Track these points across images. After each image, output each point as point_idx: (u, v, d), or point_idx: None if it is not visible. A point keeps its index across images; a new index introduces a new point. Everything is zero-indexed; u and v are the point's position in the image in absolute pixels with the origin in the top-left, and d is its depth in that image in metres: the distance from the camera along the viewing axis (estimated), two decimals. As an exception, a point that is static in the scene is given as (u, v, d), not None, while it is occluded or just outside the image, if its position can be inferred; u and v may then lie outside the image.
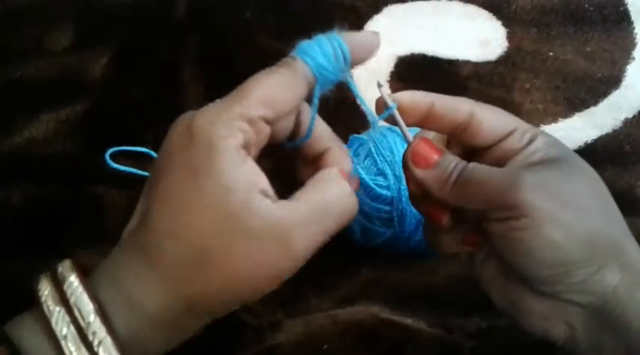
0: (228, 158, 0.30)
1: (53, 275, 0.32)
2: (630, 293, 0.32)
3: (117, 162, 0.61)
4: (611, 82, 0.69)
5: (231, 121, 0.31)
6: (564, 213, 0.32)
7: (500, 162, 0.36)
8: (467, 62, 0.70)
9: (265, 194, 0.31)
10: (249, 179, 0.31)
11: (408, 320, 0.48)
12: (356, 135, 0.56)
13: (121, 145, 0.61)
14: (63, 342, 0.29)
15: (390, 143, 0.52)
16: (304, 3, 0.74)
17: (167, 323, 0.31)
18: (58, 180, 0.60)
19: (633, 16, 0.72)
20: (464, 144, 0.38)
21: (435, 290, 0.52)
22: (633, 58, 0.70)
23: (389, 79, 0.69)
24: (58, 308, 0.30)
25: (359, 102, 0.37)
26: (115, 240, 0.34)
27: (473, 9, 0.73)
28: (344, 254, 0.57)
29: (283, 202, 0.32)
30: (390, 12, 0.73)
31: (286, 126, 0.36)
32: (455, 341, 0.47)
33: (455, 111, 0.36)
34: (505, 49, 0.71)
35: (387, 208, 0.52)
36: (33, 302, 0.31)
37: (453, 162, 0.35)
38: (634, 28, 0.71)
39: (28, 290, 0.50)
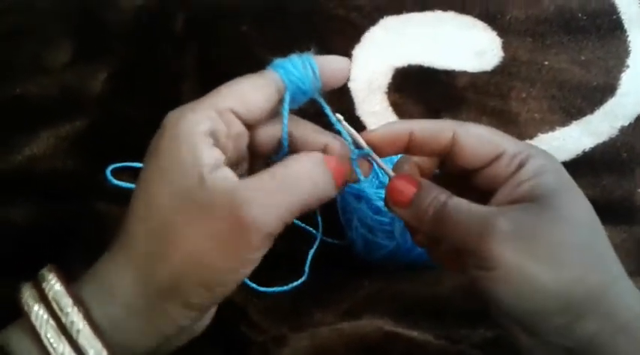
0: (189, 139, 0.31)
1: (34, 279, 0.32)
2: (609, 342, 0.31)
3: (118, 178, 0.61)
4: (607, 89, 0.69)
5: (199, 111, 0.32)
6: (535, 268, 0.31)
7: (490, 186, 0.35)
8: (463, 73, 0.70)
9: (223, 176, 0.31)
10: (209, 160, 0.31)
11: (414, 333, 0.48)
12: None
13: (122, 161, 0.61)
14: (44, 336, 0.30)
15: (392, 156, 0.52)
16: (301, 16, 0.74)
17: (144, 311, 0.31)
18: (58, 196, 0.60)
19: (626, 25, 0.73)
20: (454, 165, 0.37)
21: (439, 302, 0.52)
22: (627, 66, 0.70)
23: (387, 90, 0.70)
24: (37, 306, 0.31)
25: (333, 122, 0.37)
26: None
27: (468, 20, 0.74)
28: (346, 266, 0.57)
29: (244, 177, 0.32)
30: (386, 24, 0.74)
31: (269, 134, 0.36)
32: (461, 351, 0.47)
33: (435, 138, 0.36)
34: (501, 59, 0.71)
35: (390, 220, 0.52)
36: (19, 311, 0.31)
37: (428, 197, 0.34)
38: (627, 36, 0.72)
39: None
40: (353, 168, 0.37)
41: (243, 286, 0.49)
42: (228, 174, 0.31)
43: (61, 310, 0.30)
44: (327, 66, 0.36)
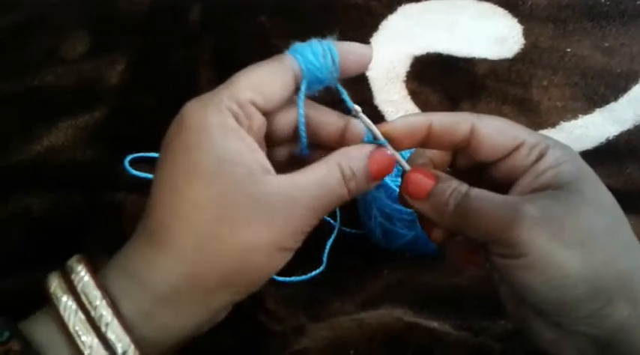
0: (221, 132, 0.31)
1: (62, 269, 0.32)
2: (638, 328, 0.31)
3: (136, 168, 0.61)
4: (631, 76, 0.68)
5: (220, 103, 0.31)
6: (566, 253, 0.30)
7: (509, 178, 0.34)
8: (483, 60, 0.70)
9: (266, 169, 0.31)
10: (248, 153, 0.31)
11: (434, 324, 0.47)
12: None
13: (140, 151, 0.61)
14: (72, 328, 0.30)
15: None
16: (318, 5, 0.73)
17: (178, 300, 0.31)
18: (77, 187, 0.61)
19: (651, 10, 0.71)
20: (469, 159, 0.37)
21: (459, 292, 0.52)
22: (652, 52, 0.69)
23: (405, 79, 0.69)
24: (65, 297, 0.30)
25: (351, 112, 0.36)
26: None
27: (488, 6, 0.73)
28: (365, 256, 0.57)
29: (284, 175, 0.32)
30: (404, 11, 0.73)
31: (285, 122, 0.36)
32: (482, 343, 0.46)
33: (454, 130, 0.35)
34: (522, 46, 0.70)
35: (409, 209, 0.52)
36: (46, 300, 0.31)
37: (448, 189, 0.34)
38: (652, 21, 0.71)
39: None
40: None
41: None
42: (271, 168, 0.32)
43: (90, 303, 0.30)
44: (349, 53, 0.35)
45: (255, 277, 0.32)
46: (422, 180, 0.35)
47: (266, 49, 0.71)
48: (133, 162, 0.61)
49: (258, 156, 0.32)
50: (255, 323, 0.50)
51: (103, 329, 0.30)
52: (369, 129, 0.36)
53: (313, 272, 0.55)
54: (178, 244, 0.31)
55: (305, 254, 0.55)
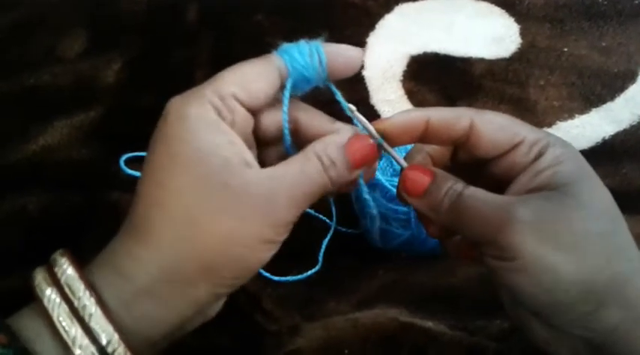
0: (201, 124, 0.31)
1: (46, 264, 0.32)
2: (631, 332, 0.31)
3: (132, 168, 0.61)
4: (628, 76, 0.68)
5: (202, 97, 0.32)
6: (556, 257, 0.30)
7: (508, 175, 0.34)
8: (480, 60, 0.69)
9: (246, 162, 0.31)
10: (227, 145, 0.31)
11: (429, 323, 0.47)
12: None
13: (136, 150, 0.61)
14: (56, 320, 0.30)
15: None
16: (316, 4, 0.73)
17: (164, 295, 0.31)
18: (73, 186, 0.61)
19: (648, 10, 0.71)
20: (469, 154, 0.36)
21: (454, 292, 0.52)
22: (649, 52, 0.69)
23: (402, 78, 0.69)
24: (49, 290, 0.31)
25: (346, 111, 0.36)
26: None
27: (485, 6, 0.73)
28: (361, 256, 0.57)
29: (265, 168, 0.32)
30: (401, 11, 0.73)
31: (273, 120, 0.35)
32: (478, 343, 0.46)
33: (452, 126, 0.35)
34: (519, 46, 0.70)
35: (405, 209, 0.52)
36: (32, 295, 0.31)
37: (443, 188, 0.34)
38: (649, 21, 0.70)
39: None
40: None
41: (257, 275, 0.49)
42: (254, 162, 0.32)
43: (73, 294, 0.30)
44: (337, 55, 0.35)
45: (238, 269, 0.32)
46: (418, 178, 0.35)
47: (263, 48, 0.71)
48: (128, 162, 0.61)
49: (239, 149, 0.32)
50: (251, 324, 0.50)
51: (87, 319, 0.30)
52: (364, 127, 0.36)
53: (309, 272, 0.55)
54: (159, 234, 0.31)
55: (301, 253, 0.55)
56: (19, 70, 0.68)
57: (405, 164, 0.36)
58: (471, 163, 0.37)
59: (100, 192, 0.60)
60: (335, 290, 0.53)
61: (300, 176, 0.32)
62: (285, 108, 0.35)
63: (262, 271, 0.53)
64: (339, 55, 0.35)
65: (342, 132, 0.35)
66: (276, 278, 0.53)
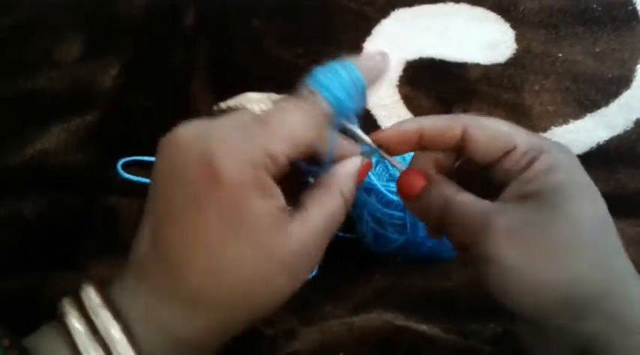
0: (258, 192, 0.30)
1: (76, 299, 0.31)
2: (610, 343, 0.31)
3: (128, 172, 0.61)
4: (622, 81, 0.68)
5: (256, 158, 0.30)
6: (532, 267, 0.31)
7: (503, 180, 0.34)
8: (476, 65, 0.70)
9: (285, 218, 0.31)
10: (275, 210, 0.30)
11: (424, 327, 0.48)
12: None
13: (133, 155, 0.61)
14: (83, 350, 0.29)
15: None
16: (312, 9, 0.73)
17: (195, 347, 0.31)
18: (70, 190, 0.61)
19: (642, 16, 0.72)
20: (468, 160, 0.37)
21: (449, 296, 0.52)
22: (643, 58, 0.69)
23: (397, 83, 0.69)
24: (82, 328, 0.30)
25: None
26: (128, 249, 0.33)
27: (481, 11, 0.73)
28: (356, 260, 0.57)
29: (296, 218, 0.31)
30: (397, 16, 0.73)
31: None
32: (472, 347, 0.46)
33: (445, 135, 0.35)
34: (514, 51, 0.71)
35: (400, 214, 0.52)
36: (53, 317, 0.31)
37: (435, 192, 0.35)
38: (643, 27, 0.71)
39: (42, 301, 0.51)
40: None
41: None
42: (286, 207, 0.31)
43: (111, 340, 0.30)
44: (370, 69, 0.34)
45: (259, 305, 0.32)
46: (412, 181, 0.36)
47: (259, 52, 0.71)
48: (125, 166, 0.62)
49: (281, 206, 0.31)
50: (247, 327, 0.51)
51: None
52: (359, 138, 0.36)
53: (305, 276, 0.55)
54: (211, 302, 0.30)
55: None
56: (16, 73, 0.68)
57: (401, 168, 0.37)
58: (473, 168, 0.37)
59: (97, 197, 0.60)
60: (331, 295, 0.53)
61: (330, 219, 0.32)
62: (331, 150, 0.33)
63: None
64: (372, 68, 0.34)
65: (352, 158, 0.35)
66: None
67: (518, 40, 0.71)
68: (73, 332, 0.30)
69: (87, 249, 0.57)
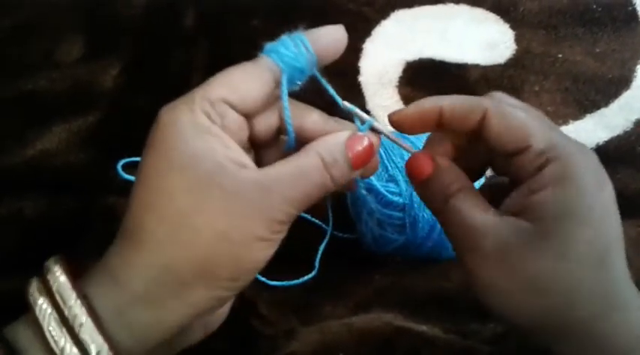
0: (192, 130, 0.31)
1: (41, 272, 0.32)
2: None
3: (129, 173, 0.61)
4: (622, 82, 0.68)
5: (192, 103, 0.31)
6: (512, 291, 0.32)
7: (516, 177, 0.34)
8: (475, 66, 0.70)
9: (241, 164, 0.31)
10: (220, 148, 0.31)
11: (423, 327, 0.48)
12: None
13: (133, 155, 0.61)
14: (46, 329, 0.30)
15: (400, 149, 0.52)
16: (312, 10, 0.74)
17: (155, 295, 0.31)
18: (70, 191, 0.61)
19: (642, 16, 0.72)
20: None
21: (449, 296, 0.52)
22: (643, 58, 0.69)
23: (397, 84, 0.69)
24: (41, 299, 0.30)
25: (332, 95, 0.36)
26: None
27: (480, 12, 0.73)
28: (357, 260, 0.57)
29: (261, 168, 0.32)
30: (397, 17, 0.73)
31: (268, 122, 0.35)
32: (471, 347, 0.46)
33: (465, 117, 0.34)
34: (514, 52, 0.71)
35: (399, 214, 0.52)
36: (26, 304, 0.31)
37: (439, 184, 0.34)
38: (643, 28, 0.71)
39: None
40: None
41: (253, 280, 0.49)
42: (250, 164, 0.32)
43: (64, 303, 0.30)
44: (320, 39, 0.35)
45: (233, 268, 0.32)
46: (422, 166, 0.35)
47: (259, 52, 0.71)
48: (126, 167, 0.62)
49: (232, 151, 0.31)
50: (247, 328, 0.51)
51: (77, 329, 0.29)
52: (354, 114, 0.36)
53: (305, 277, 0.55)
54: (152, 238, 0.31)
55: (297, 258, 0.55)
56: (16, 74, 0.68)
57: (412, 150, 0.37)
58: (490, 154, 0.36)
59: (97, 197, 0.60)
60: (331, 295, 0.53)
61: (297, 174, 0.32)
62: (286, 104, 0.34)
63: (258, 276, 0.53)
64: (322, 37, 0.35)
65: (342, 131, 0.35)
66: (272, 282, 0.53)
67: (517, 40, 0.71)
68: (31, 299, 0.31)
69: (86, 248, 0.57)
